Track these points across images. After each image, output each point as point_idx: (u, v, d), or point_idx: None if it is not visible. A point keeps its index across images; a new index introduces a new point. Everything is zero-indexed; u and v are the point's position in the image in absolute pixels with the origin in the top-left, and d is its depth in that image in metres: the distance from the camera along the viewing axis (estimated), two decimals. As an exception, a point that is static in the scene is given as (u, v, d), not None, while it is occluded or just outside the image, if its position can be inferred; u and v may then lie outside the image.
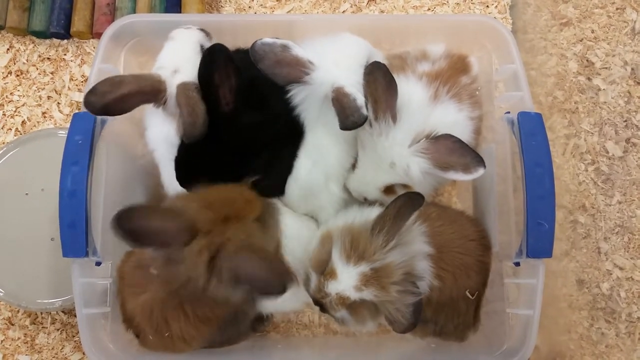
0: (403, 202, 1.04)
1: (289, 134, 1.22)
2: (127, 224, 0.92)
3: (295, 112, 1.20)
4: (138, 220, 0.93)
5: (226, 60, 1.10)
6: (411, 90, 1.24)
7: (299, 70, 1.11)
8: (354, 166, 1.23)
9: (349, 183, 1.24)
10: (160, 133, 1.22)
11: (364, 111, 1.08)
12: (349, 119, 1.07)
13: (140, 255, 1.16)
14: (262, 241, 1.03)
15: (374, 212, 1.13)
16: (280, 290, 0.95)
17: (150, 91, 1.14)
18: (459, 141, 1.11)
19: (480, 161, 1.09)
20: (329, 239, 1.11)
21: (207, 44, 1.23)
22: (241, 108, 1.15)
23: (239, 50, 1.27)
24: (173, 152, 1.20)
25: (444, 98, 1.25)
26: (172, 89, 1.15)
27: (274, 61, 1.11)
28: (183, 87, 1.13)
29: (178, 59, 1.18)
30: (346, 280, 1.04)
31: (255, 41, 1.11)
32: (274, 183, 1.25)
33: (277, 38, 1.12)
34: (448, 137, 1.12)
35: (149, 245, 0.96)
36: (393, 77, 1.11)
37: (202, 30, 1.27)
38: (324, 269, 1.07)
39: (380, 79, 1.10)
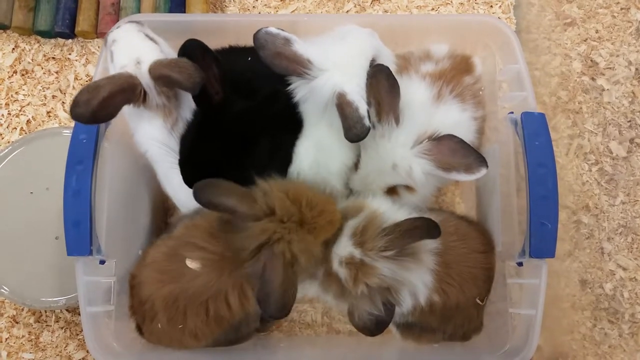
0: (419, 225, 1.04)
1: (285, 119, 1.22)
2: (207, 196, 1.02)
3: (297, 108, 1.20)
4: (217, 196, 1.02)
5: (203, 52, 1.10)
6: (414, 91, 1.24)
7: (297, 67, 1.12)
8: (356, 165, 1.24)
9: (352, 183, 1.24)
10: (147, 132, 1.22)
11: (367, 122, 1.08)
12: (352, 131, 1.08)
13: (176, 242, 1.17)
14: (309, 265, 1.04)
15: (401, 215, 1.13)
16: (268, 315, 1.00)
17: (127, 87, 1.13)
18: (461, 142, 1.11)
19: (482, 161, 1.09)
20: (356, 210, 1.12)
21: (145, 31, 1.24)
22: (231, 97, 1.15)
23: (232, 48, 1.28)
24: (164, 148, 1.21)
25: (447, 98, 1.25)
26: (144, 79, 1.15)
27: (274, 52, 1.11)
28: (155, 65, 1.13)
29: (133, 52, 1.18)
30: (340, 247, 1.06)
31: (260, 29, 1.12)
32: (274, 174, 1.25)
33: (282, 30, 1.12)
34: (451, 137, 1.12)
35: (221, 212, 1.04)
36: (396, 80, 1.11)
37: (132, 21, 1.27)
38: None
39: (383, 81, 1.10)
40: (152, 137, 1.22)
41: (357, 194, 1.26)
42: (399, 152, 1.13)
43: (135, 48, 1.19)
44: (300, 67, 1.11)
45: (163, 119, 1.21)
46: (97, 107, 1.07)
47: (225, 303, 1.12)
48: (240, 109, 1.15)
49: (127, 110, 1.19)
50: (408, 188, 1.20)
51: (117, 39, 1.22)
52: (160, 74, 1.13)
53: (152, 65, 1.13)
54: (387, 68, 1.11)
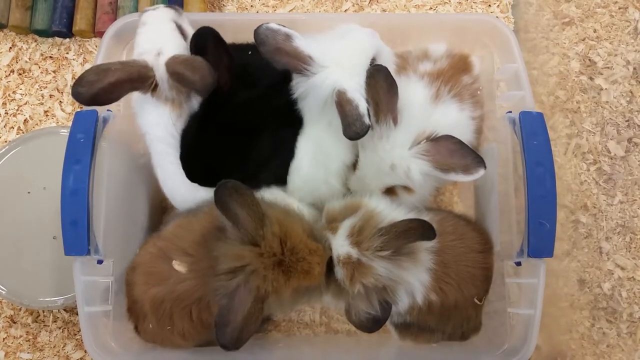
0: (415, 226, 1.04)
1: (287, 111, 1.21)
2: (226, 197, 0.99)
3: (296, 105, 1.20)
4: (235, 201, 0.99)
5: (216, 41, 1.10)
6: (412, 90, 1.24)
7: (298, 63, 1.11)
8: (355, 166, 1.23)
9: (350, 183, 1.24)
10: (150, 117, 1.21)
11: (366, 120, 1.08)
12: (351, 128, 1.07)
13: (165, 244, 1.17)
14: (274, 305, 1.03)
15: (398, 214, 1.13)
16: (221, 344, 0.97)
17: (137, 78, 1.12)
18: (459, 142, 1.11)
19: (480, 162, 1.09)
20: (353, 209, 1.12)
21: (179, 20, 1.23)
22: (238, 88, 1.15)
23: (232, 45, 1.28)
24: (164, 135, 1.20)
25: (445, 97, 1.25)
26: (160, 72, 1.14)
27: (274, 47, 1.11)
28: (172, 60, 1.12)
29: (158, 41, 1.16)
30: (337, 246, 1.06)
31: (261, 24, 1.11)
32: (277, 171, 1.25)
33: (283, 26, 1.12)
34: (448, 138, 1.11)
35: (226, 216, 1.01)
36: (394, 80, 1.11)
37: (170, 7, 1.25)
38: (331, 224, 1.10)
39: (381, 82, 1.10)
40: (155, 122, 1.21)
41: (354, 193, 1.26)
42: (397, 153, 1.13)
43: (160, 37, 1.17)
44: (301, 63, 1.11)
45: (170, 108, 1.19)
46: (99, 91, 1.06)
47: (208, 310, 1.12)
48: (242, 100, 1.15)
49: (134, 94, 1.18)
50: (406, 188, 1.20)
51: (147, 22, 1.20)
52: (174, 71, 1.11)
53: (168, 60, 1.12)
54: (386, 68, 1.11)
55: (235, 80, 1.14)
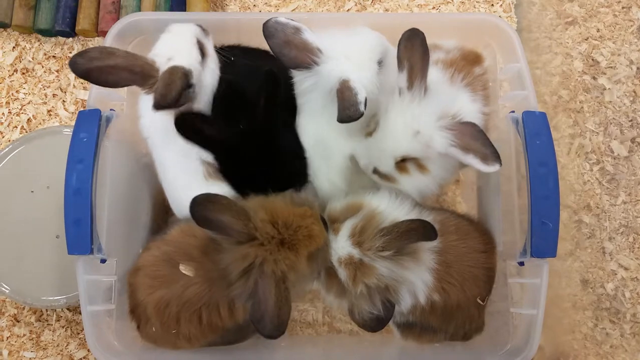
0: (417, 226, 1.04)
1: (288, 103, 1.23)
2: (202, 211, 1.00)
3: (298, 100, 1.21)
4: (213, 211, 1.00)
5: (192, 120, 1.15)
6: (430, 74, 1.23)
7: (307, 56, 1.11)
8: (371, 134, 1.20)
9: (365, 149, 1.20)
10: (153, 121, 1.21)
11: (362, 107, 1.07)
12: (345, 112, 1.07)
13: (170, 248, 1.17)
14: (297, 281, 1.05)
15: (400, 213, 1.13)
16: (265, 335, 0.99)
17: (139, 72, 1.12)
18: (482, 131, 1.09)
19: (498, 157, 1.07)
20: (355, 209, 1.12)
21: (204, 39, 1.23)
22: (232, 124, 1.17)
23: (223, 47, 1.28)
24: (165, 139, 1.20)
25: (458, 85, 1.24)
26: None
27: (283, 41, 1.11)
28: (172, 68, 1.11)
29: (173, 49, 1.17)
30: (339, 246, 1.07)
31: (270, 18, 1.11)
32: (295, 170, 1.26)
33: (292, 20, 1.12)
34: (472, 124, 1.10)
35: (212, 230, 1.02)
36: (427, 48, 1.09)
37: (199, 26, 1.26)
38: (333, 225, 1.11)
39: (417, 46, 1.09)
40: (156, 127, 1.21)
41: (354, 192, 1.25)
42: (424, 120, 1.11)
43: (177, 47, 1.18)
44: (311, 55, 1.11)
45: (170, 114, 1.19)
46: (96, 69, 1.08)
47: (217, 313, 1.13)
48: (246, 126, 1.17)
49: (142, 95, 1.19)
50: (420, 166, 1.18)
51: (171, 30, 1.22)
52: (161, 75, 1.11)
53: (172, 66, 1.12)
54: (422, 33, 1.10)
55: (221, 122, 1.17)
